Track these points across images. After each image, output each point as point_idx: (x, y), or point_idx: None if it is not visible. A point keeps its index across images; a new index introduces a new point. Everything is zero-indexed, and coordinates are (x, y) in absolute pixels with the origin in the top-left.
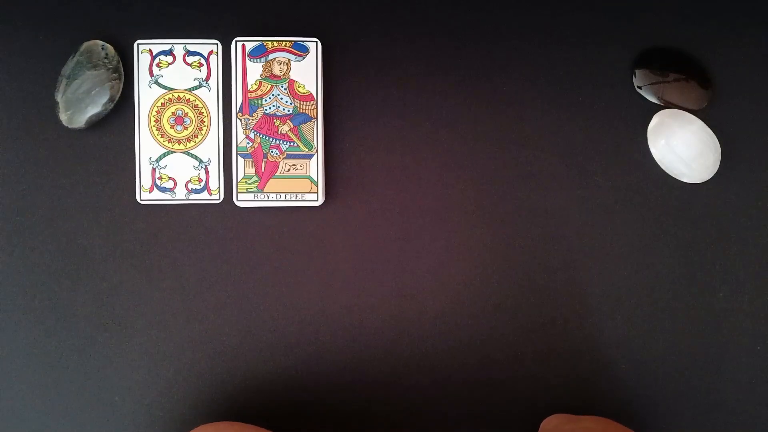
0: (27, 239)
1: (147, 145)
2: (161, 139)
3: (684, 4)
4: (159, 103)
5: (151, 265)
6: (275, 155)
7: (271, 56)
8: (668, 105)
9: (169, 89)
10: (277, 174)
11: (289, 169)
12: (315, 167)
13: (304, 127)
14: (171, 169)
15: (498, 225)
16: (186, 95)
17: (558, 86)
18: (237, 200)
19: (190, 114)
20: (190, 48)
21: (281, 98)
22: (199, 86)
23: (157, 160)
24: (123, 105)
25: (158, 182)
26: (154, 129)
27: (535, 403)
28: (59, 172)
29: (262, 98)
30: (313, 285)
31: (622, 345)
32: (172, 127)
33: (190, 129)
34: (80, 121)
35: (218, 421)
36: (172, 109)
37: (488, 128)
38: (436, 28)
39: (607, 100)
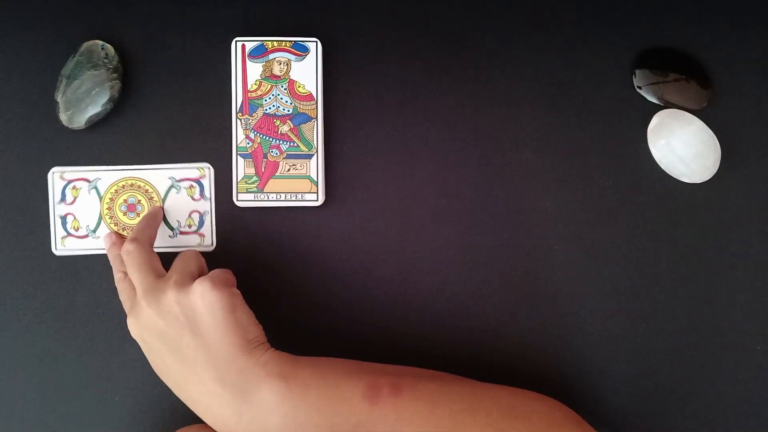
0: (27, 239)
1: None
2: None
3: (684, 4)
4: None
5: None
6: (275, 155)
7: (271, 56)
8: (668, 105)
9: None
10: (277, 174)
11: (289, 169)
12: (315, 167)
13: (304, 127)
14: None
15: (498, 225)
16: None
17: (558, 86)
18: (237, 200)
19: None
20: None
21: (281, 98)
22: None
23: None
24: (123, 105)
25: None
26: None
27: None
28: None
29: (262, 98)
30: (312, 285)
31: (622, 345)
32: None
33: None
34: (80, 121)
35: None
36: None
37: (488, 128)
38: (436, 29)
39: (607, 100)
